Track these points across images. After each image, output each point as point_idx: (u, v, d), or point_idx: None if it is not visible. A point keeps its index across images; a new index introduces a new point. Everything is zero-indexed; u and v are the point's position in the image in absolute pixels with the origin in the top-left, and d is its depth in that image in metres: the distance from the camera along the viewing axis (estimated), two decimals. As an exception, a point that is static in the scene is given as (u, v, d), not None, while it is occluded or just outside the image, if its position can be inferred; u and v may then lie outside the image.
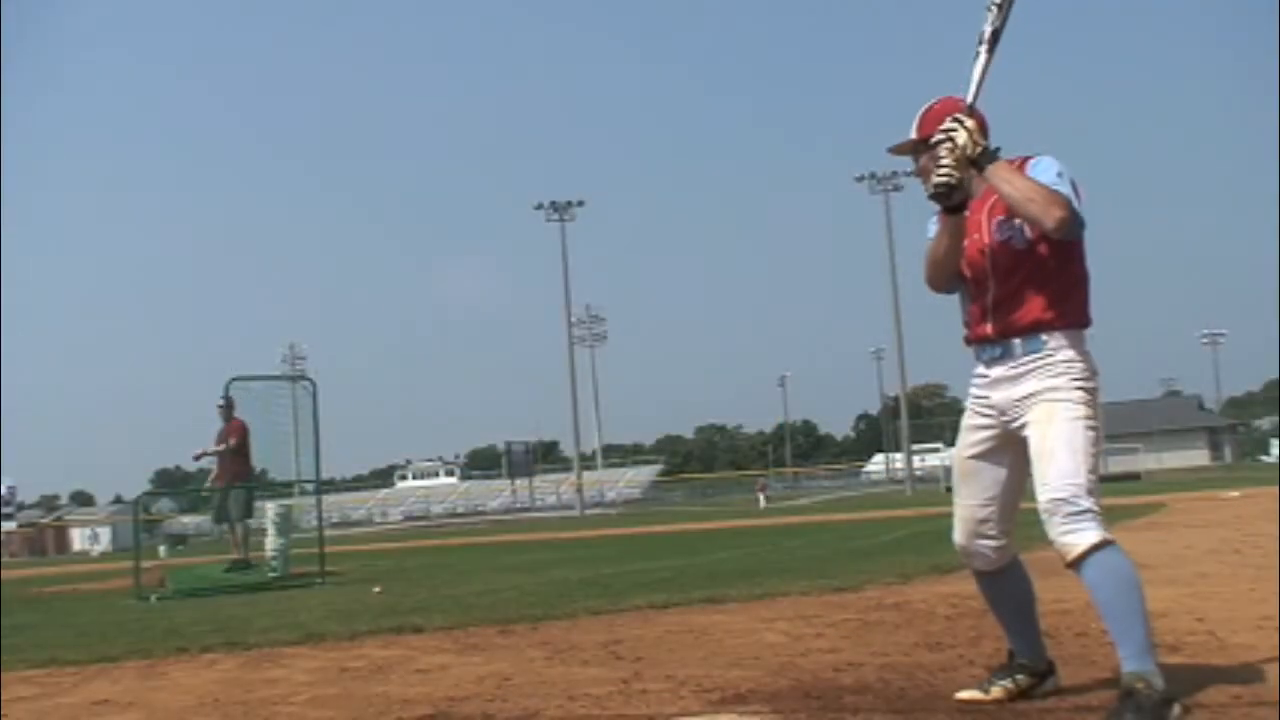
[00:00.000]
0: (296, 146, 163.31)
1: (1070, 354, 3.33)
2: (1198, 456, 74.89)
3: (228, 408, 12.85)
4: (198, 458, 13.21)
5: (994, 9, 3.37)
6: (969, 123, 3.30)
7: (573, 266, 64.32)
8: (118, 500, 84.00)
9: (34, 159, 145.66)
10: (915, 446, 64.86)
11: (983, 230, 3.45)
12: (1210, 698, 3.45)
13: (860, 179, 59.25)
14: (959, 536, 3.62)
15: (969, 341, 3.54)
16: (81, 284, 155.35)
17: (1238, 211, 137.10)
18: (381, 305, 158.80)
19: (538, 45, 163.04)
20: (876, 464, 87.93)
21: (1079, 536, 3.17)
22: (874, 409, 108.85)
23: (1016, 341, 3.37)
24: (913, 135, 3.56)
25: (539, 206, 64.32)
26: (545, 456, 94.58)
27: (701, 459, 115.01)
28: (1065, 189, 3.25)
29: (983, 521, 3.55)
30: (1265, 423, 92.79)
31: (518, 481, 75.00)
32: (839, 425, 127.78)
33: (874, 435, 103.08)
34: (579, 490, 61.38)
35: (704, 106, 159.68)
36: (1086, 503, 3.18)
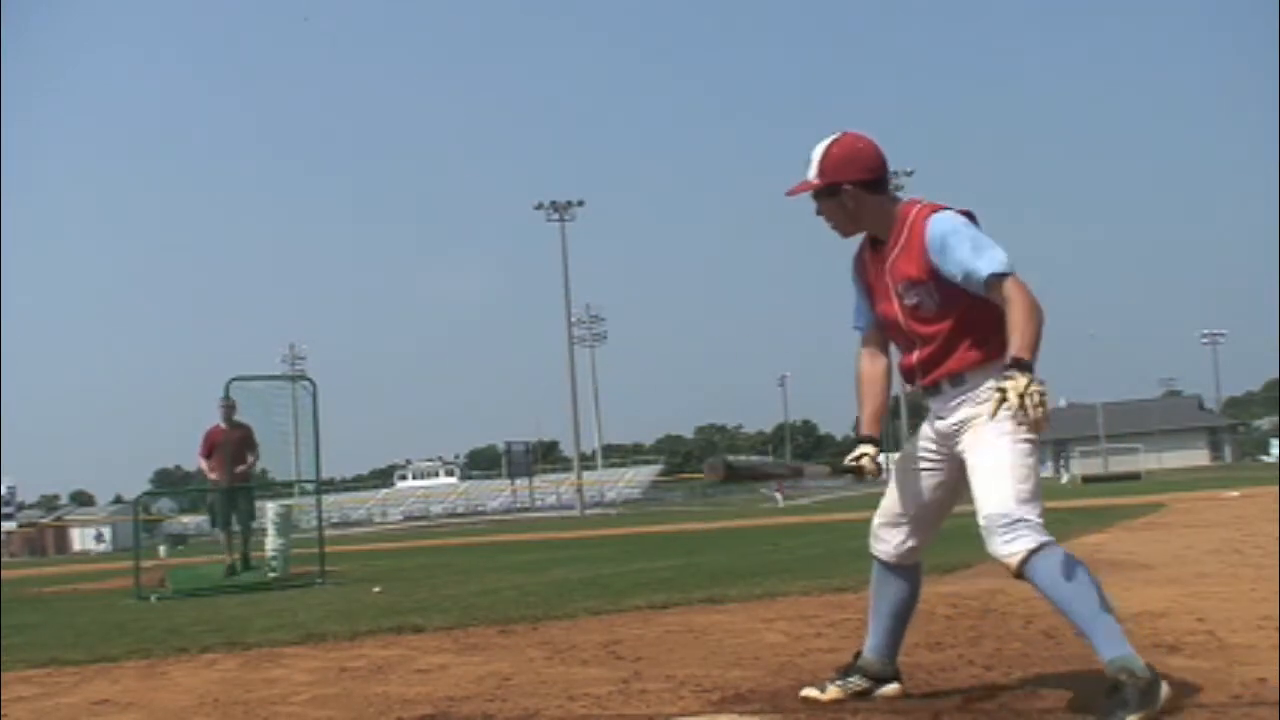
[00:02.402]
0: (296, 146, 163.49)
1: (991, 381, 3.28)
2: (1198, 456, 74.97)
3: (229, 409, 12.84)
4: (215, 478, 13.09)
5: None
6: (1021, 380, 3.06)
7: (573, 266, 64.48)
8: (118, 500, 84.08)
9: (34, 158, 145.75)
10: (915, 447, 64.78)
11: (890, 296, 3.51)
12: (1210, 698, 3.45)
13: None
14: (877, 518, 3.79)
15: (905, 383, 3.67)
16: (81, 284, 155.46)
17: (1238, 211, 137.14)
18: (382, 305, 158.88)
19: (537, 45, 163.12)
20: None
21: (1015, 544, 3.21)
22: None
23: (945, 383, 3.47)
24: (814, 179, 3.51)
25: (539, 206, 64.40)
26: (545, 457, 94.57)
27: (701, 459, 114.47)
28: (997, 252, 3.25)
29: (899, 515, 3.69)
30: (1265, 423, 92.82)
31: (517, 482, 74.95)
32: (839, 425, 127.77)
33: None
34: (579, 490, 61.41)
35: (703, 106, 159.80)
36: (1019, 512, 3.21)
